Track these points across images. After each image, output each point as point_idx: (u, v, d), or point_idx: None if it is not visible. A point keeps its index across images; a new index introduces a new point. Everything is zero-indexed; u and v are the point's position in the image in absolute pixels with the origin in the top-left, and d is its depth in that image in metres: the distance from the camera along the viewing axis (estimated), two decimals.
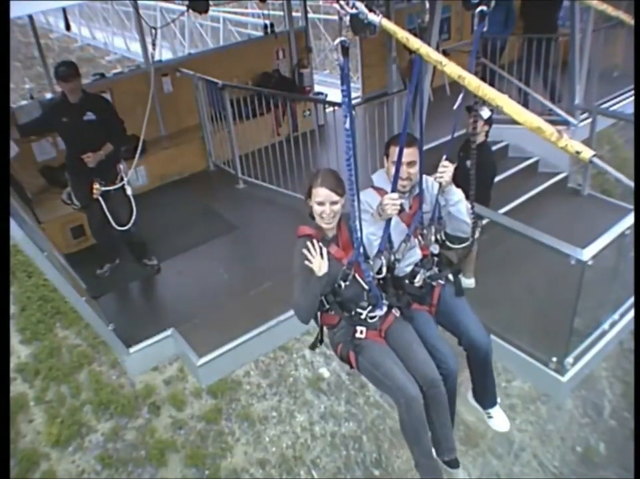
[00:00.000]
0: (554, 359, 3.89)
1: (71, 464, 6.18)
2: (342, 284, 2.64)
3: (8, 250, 2.67)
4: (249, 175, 5.93)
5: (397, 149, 2.51)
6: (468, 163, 2.87)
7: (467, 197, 2.84)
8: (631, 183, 2.19)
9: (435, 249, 2.91)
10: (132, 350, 3.93)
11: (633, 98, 6.72)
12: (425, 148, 2.74)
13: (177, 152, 6.38)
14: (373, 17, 1.96)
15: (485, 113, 4.10)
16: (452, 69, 1.92)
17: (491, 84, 2.15)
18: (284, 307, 4.04)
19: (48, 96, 6.33)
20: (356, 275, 2.64)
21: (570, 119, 6.17)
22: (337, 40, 1.96)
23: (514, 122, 1.85)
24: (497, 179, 4.83)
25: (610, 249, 3.75)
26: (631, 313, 4.28)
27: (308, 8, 8.00)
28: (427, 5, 2.34)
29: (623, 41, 6.90)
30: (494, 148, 5.64)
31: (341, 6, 1.96)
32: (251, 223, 5.43)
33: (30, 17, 6.42)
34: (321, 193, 2.55)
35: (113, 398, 6.65)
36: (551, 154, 6.16)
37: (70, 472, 6.13)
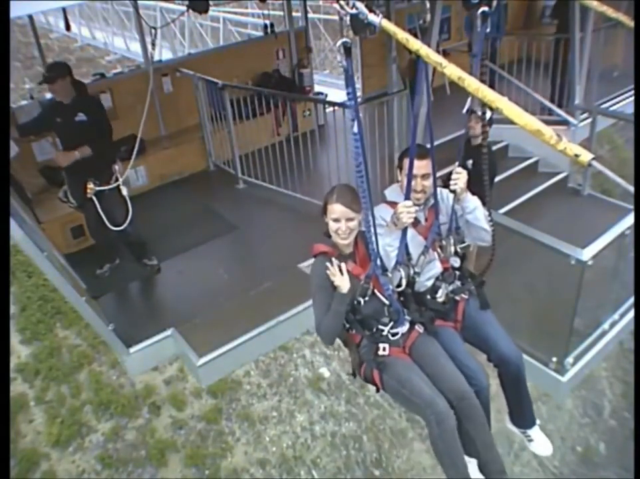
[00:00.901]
0: (554, 359, 3.89)
1: (71, 464, 6.18)
2: (362, 300, 2.54)
3: (8, 250, 2.67)
4: (249, 175, 5.93)
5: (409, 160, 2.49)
6: (469, 163, 2.87)
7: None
8: (630, 187, 2.20)
9: (455, 262, 2.83)
10: (132, 350, 3.93)
11: (633, 98, 6.72)
12: None
13: (177, 151, 6.38)
14: (373, 17, 1.95)
15: (488, 114, 4.09)
16: (452, 71, 1.91)
17: (491, 86, 2.14)
18: (284, 307, 4.06)
19: (48, 96, 6.29)
20: (375, 290, 2.56)
21: (570, 119, 6.18)
22: (339, 42, 1.95)
23: (514, 122, 1.86)
24: (497, 179, 4.83)
25: (610, 249, 3.76)
26: (631, 313, 4.28)
27: (308, 8, 8.01)
28: (427, 5, 2.33)
29: (623, 41, 6.90)
30: (494, 148, 5.64)
31: (341, 7, 1.95)
32: (251, 223, 5.43)
33: (30, 17, 6.42)
34: (337, 209, 2.49)
35: (113, 398, 6.65)
36: (551, 153, 6.13)
37: (70, 472, 6.13)
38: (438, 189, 2.76)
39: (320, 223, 2.66)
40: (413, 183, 2.60)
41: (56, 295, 6.71)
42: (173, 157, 6.34)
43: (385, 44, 5.85)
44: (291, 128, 6.31)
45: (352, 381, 7.98)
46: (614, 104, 6.78)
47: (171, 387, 7.03)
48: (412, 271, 2.67)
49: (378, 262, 2.47)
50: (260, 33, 8.50)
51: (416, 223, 2.56)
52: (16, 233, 2.87)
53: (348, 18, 1.96)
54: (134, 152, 4.52)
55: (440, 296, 2.80)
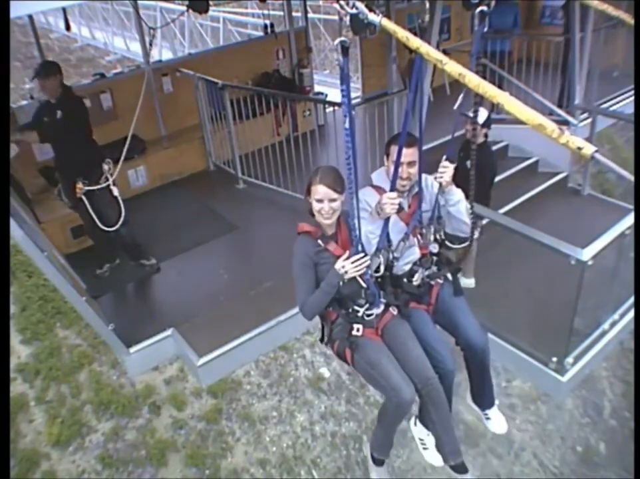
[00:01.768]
0: (554, 359, 3.89)
1: (71, 464, 6.18)
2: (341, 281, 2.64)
3: (8, 250, 2.67)
4: (249, 175, 5.93)
5: (397, 148, 2.52)
6: (468, 163, 2.87)
7: (467, 197, 2.84)
8: (631, 176, 2.20)
9: (434, 248, 2.90)
10: (132, 350, 3.94)
11: (633, 98, 6.72)
12: (425, 147, 2.75)
13: (177, 151, 6.39)
14: (373, 17, 1.96)
15: (482, 116, 4.06)
16: (452, 67, 1.92)
17: (500, 86, 2.15)
18: (284, 306, 4.05)
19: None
20: None
21: (570, 119, 6.18)
22: (337, 40, 1.97)
23: (514, 122, 1.86)
24: (497, 179, 4.83)
25: (610, 249, 3.75)
26: (631, 313, 4.28)
27: (308, 8, 8.01)
28: (427, 5, 2.33)
29: (623, 41, 6.90)
30: (494, 148, 5.64)
31: (341, 6, 1.96)
32: (251, 223, 5.44)
33: (30, 17, 6.43)
34: (320, 190, 2.54)
35: (113, 398, 6.65)
36: (551, 154, 6.17)
37: (70, 471, 6.13)
38: (423, 176, 2.80)
39: None
40: (399, 170, 2.62)
41: (56, 295, 6.71)
42: (174, 157, 6.35)
43: (385, 44, 5.84)
44: (291, 128, 6.31)
45: (352, 381, 7.98)
46: (614, 104, 6.78)
47: (172, 387, 7.03)
48: (391, 256, 2.75)
49: (360, 248, 2.53)
50: (260, 33, 8.51)
51: (399, 209, 2.60)
52: (16, 233, 2.88)
53: (348, 18, 1.97)
54: (123, 153, 4.49)
55: (416, 280, 2.88)
